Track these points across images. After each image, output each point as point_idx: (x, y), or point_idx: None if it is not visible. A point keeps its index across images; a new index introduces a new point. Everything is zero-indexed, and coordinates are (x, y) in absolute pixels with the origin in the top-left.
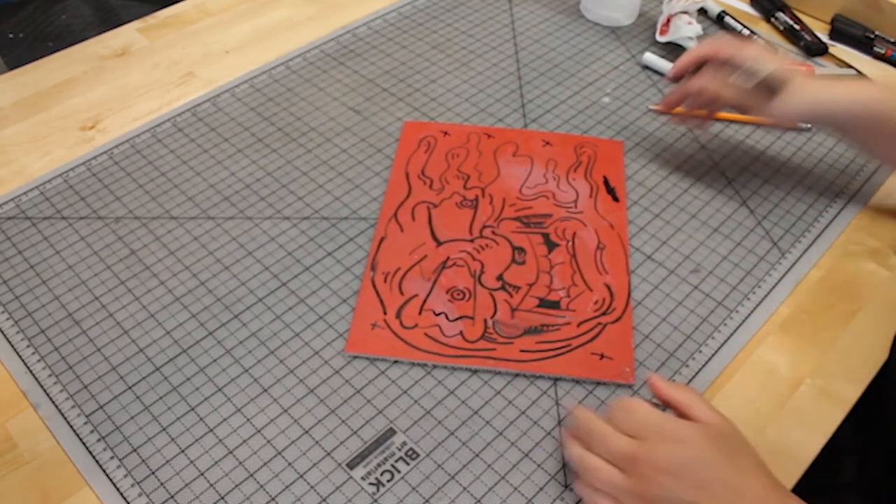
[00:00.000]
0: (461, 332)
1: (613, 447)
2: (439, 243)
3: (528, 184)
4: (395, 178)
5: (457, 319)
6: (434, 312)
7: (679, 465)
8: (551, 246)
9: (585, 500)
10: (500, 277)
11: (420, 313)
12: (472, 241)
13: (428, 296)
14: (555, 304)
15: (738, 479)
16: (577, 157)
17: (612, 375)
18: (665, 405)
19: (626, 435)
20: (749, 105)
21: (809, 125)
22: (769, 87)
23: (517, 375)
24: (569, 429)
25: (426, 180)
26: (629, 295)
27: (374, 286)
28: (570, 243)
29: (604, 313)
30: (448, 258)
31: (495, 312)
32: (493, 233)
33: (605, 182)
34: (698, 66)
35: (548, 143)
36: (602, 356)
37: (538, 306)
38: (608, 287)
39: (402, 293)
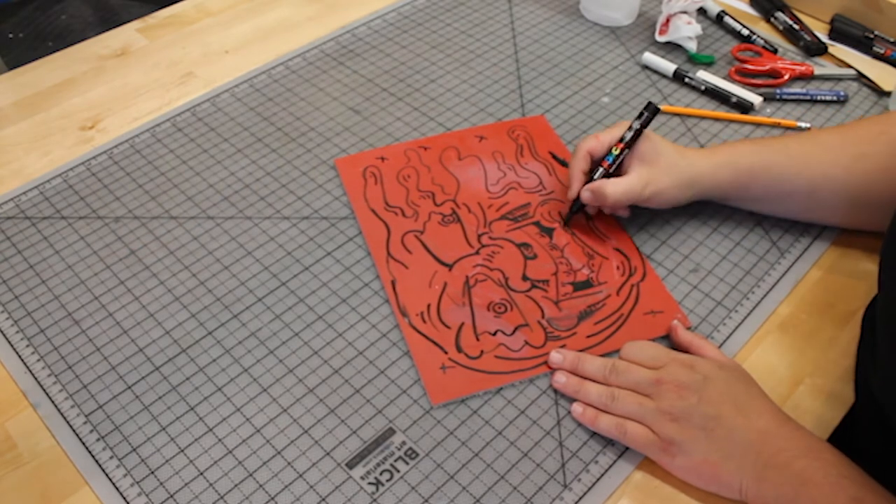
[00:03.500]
0: (526, 342)
1: (636, 376)
2: (450, 266)
3: (490, 181)
4: (364, 218)
5: (514, 332)
6: (490, 333)
7: (698, 383)
8: (548, 232)
9: (615, 433)
10: (525, 277)
11: (478, 339)
12: (477, 252)
13: (474, 320)
14: (587, 284)
15: (751, 401)
16: (515, 142)
17: (671, 327)
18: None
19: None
20: (632, 198)
21: (808, 125)
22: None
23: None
24: (576, 374)
25: (395, 210)
26: (639, 251)
27: (418, 331)
28: (568, 229)
29: (631, 275)
30: (468, 277)
31: (543, 312)
32: (491, 238)
33: (553, 156)
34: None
35: (482, 137)
36: (653, 312)
37: (575, 291)
38: (619, 251)
39: (447, 327)
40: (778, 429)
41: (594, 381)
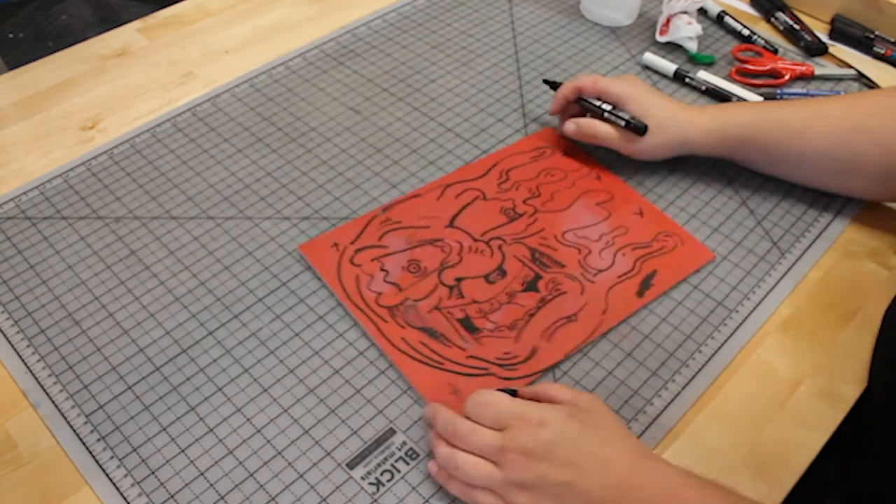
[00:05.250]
0: (381, 293)
1: (480, 442)
2: (450, 225)
3: (579, 233)
4: (485, 161)
5: (391, 284)
6: (381, 267)
7: (545, 446)
8: (529, 288)
9: (463, 499)
10: (458, 279)
11: (371, 261)
12: (474, 240)
13: (391, 254)
14: (472, 327)
15: (605, 449)
16: (652, 239)
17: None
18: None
19: (489, 428)
20: (620, 146)
21: None
22: (635, 128)
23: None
24: (434, 429)
25: (506, 177)
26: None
27: (369, 220)
28: (549, 298)
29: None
30: (439, 239)
31: (420, 299)
32: (500, 247)
33: (647, 277)
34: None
35: (640, 212)
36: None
37: (459, 321)
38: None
39: (379, 239)
40: (633, 474)
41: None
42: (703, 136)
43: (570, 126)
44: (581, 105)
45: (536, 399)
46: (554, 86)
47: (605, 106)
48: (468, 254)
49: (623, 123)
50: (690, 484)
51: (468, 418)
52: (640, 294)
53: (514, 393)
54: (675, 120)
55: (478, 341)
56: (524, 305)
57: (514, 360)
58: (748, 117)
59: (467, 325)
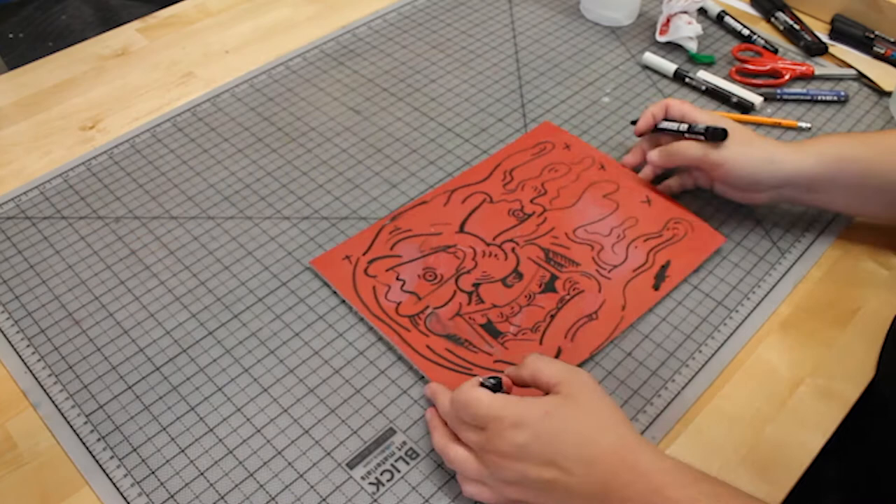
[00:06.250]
0: (400, 302)
1: (465, 440)
2: (460, 231)
3: (589, 228)
4: (487, 163)
5: (409, 293)
6: (397, 276)
7: (521, 448)
8: (548, 289)
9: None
10: (475, 284)
11: (386, 271)
12: (487, 244)
13: (405, 262)
14: (496, 331)
15: (587, 449)
16: (662, 228)
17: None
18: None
19: (473, 426)
20: (704, 160)
21: (809, 125)
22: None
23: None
24: (433, 414)
25: (510, 177)
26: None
27: (378, 231)
28: (568, 298)
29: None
30: (452, 245)
31: (440, 306)
32: (514, 250)
33: (662, 269)
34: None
35: (647, 200)
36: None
37: (482, 326)
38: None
39: (391, 249)
40: (619, 473)
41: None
42: (793, 151)
43: (654, 154)
44: (659, 132)
45: (524, 383)
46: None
47: (682, 127)
48: (483, 258)
49: (702, 129)
50: (677, 483)
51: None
52: (656, 287)
53: (498, 384)
54: (761, 139)
55: (503, 345)
56: (544, 307)
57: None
58: (844, 140)
59: (490, 329)
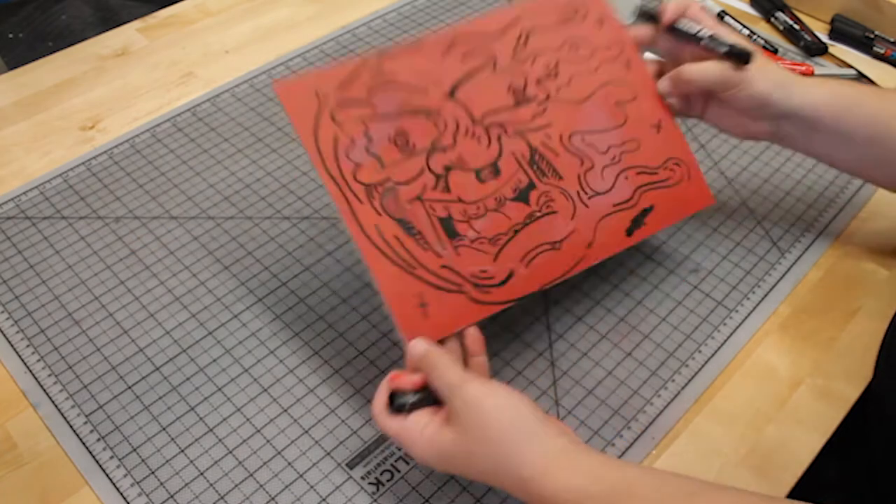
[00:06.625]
0: (360, 165)
1: None
2: (450, 96)
3: (587, 137)
4: (505, 14)
5: (373, 156)
6: (365, 132)
7: (429, 466)
8: (520, 197)
9: None
10: (447, 168)
11: (354, 121)
12: (473, 122)
13: (378, 118)
14: (453, 231)
15: (488, 478)
16: (660, 165)
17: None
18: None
19: None
20: (719, 83)
21: None
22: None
23: (518, 375)
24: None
25: (524, 41)
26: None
27: (360, 65)
28: (538, 215)
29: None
30: (435, 111)
31: (402, 183)
32: (499, 138)
33: (642, 214)
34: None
35: (658, 126)
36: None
37: (440, 220)
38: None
39: (367, 94)
40: (528, 499)
41: None
42: (809, 82)
43: (664, 84)
44: (675, 34)
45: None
46: (648, 17)
47: (704, 32)
48: (463, 137)
49: (725, 50)
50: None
51: None
52: (629, 232)
53: (401, 405)
54: (775, 64)
55: (455, 250)
56: (511, 218)
57: (489, 282)
58: (855, 85)
59: (448, 227)
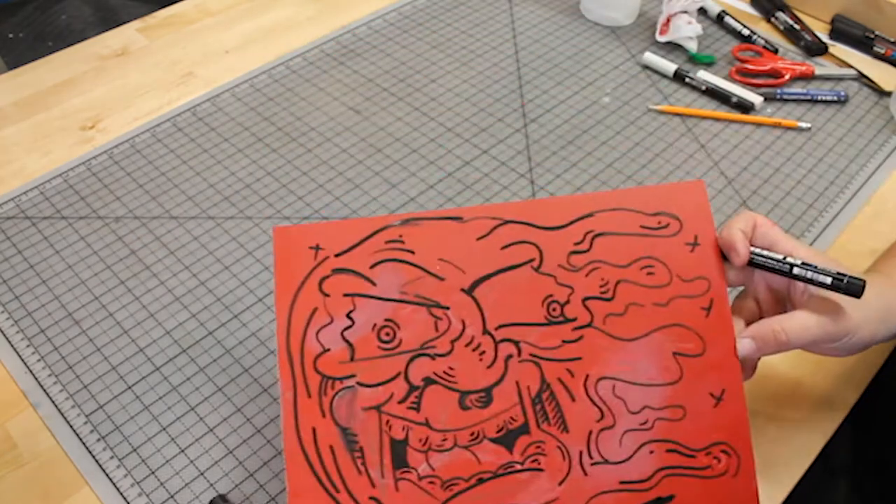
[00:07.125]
0: (327, 350)
1: None
2: (468, 291)
3: (620, 388)
4: (577, 202)
5: (346, 343)
6: (350, 312)
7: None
8: (503, 440)
9: None
10: (426, 380)
11: (343, 296)
12: (484, 330)
13: (372, 298)
14: (402, 460)
15: None
16: (705, 448)
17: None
18: None
19: None
20: (822, 336)
21: (809, 125)
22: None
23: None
24: None
25: (589, 243)
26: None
27: (376, 231)
28: (515, 469)
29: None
30: (442, 307)
31: (367, 385)
32: (507, 359)
33: (658, 501)
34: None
35: (719, 397)
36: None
37: (393, 441)
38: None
39: (371, 267)
40: None
41: None
42: None
43: (746, 346)
44: (754, 266)
45: None
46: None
47: (792, 260)
48: (463, 348)
49: (829, 282)
50: None
51: None
52: None
53: None
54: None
55: (395, 484)
56: (482, 462)
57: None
58: None
59: (399, 452)
